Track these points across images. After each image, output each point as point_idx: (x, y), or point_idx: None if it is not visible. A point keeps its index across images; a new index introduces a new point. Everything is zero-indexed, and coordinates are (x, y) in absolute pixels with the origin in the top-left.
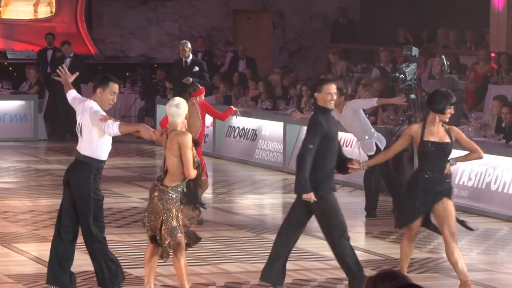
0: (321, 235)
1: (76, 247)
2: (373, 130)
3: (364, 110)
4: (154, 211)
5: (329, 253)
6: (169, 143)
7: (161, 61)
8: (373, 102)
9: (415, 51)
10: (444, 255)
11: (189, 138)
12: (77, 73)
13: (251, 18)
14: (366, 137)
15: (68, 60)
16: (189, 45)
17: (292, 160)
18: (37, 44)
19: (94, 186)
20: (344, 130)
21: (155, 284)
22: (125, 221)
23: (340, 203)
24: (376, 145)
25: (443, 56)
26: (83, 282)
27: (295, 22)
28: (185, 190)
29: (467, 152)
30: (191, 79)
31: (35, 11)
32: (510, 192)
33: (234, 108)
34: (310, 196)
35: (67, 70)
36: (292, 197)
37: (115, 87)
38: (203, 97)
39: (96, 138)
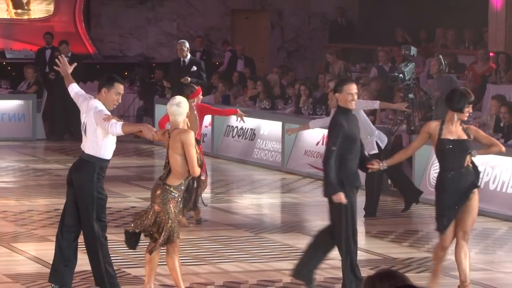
0: None
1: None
2: (374, 128)
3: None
4: (153, 210)
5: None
6: (172, 142)
7: (159, 61)
8: (375, 105)
9: (413, 50)
10: None
11: (191, 136)
12: (75, 64)
13: (249, 17)
14: (368, 137)
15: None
16: (187, 44)
17: (291, 160)
18: (35, 44)
19: (97, 185)
20: None
21: (154, 284)
22: (123, 220)
23: None
24: (377, 143)
25: (440, 56)
26: (81, 282)
27: (294, 22)
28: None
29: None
30: (189, 79)
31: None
32: (508, 192)
33: (239, 112)
34: (340, 197)
35: (66, 61)
36: (290, 197)
37: (120, 87)
38: (201, 97)
39: (101, 138)
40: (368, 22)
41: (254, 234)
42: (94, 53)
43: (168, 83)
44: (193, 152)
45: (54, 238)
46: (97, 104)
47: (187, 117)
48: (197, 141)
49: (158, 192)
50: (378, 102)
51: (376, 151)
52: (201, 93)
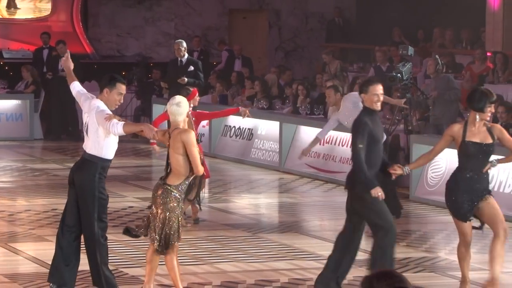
0: (318, 234)
1: None
2: None
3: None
4: (158, 218)
5: (325, 253)
6: (173, 142)
7: (157, 61)
8: None
9: (411, 50)
10: (440, 254)
11: (192, 135)
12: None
13: (247, 17)
14: None
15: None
16: (184, 44)
17: (288, 160)
18: (33, 44)
19: (99, 185)
20: (343, 130)
21: (153, 284)
22: (121, 220)
23: (337, 202)
24: None
25: (437, 56)
26: (79, 282)
27: (291, 22)
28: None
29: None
30: (186, 79)
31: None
32: (506, 192)
33: (242, 108)
34: (377, 191)
35: (69, 56)
36: (288, 197)
37: (122, 88)
38: (197, 98)
39: (102, 137)
40: (366, 22)
41: (252, 234)
42: (91, 53)
43: (165, 84)
44: (196, 152)
45: (51, 238)
46: (99, 104)
47: (187, 117)
48: (196, 141)
49: (159, 192)
50: None
51: None
52: (197, 94)
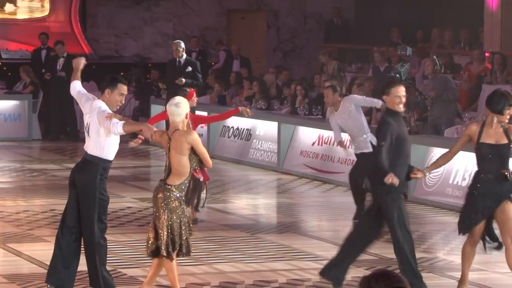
0: (317, 235)
1: None
2: (368, 128)
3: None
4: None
5: (324, 253)
6: (175, 143)
7: (155, 61)
8: (377, 104)
9: (409, 50)
10: (438, 254)
11: (195, 135)
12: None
13: (245, 17)
14: (364, 136)
15: (61, 60)
16: (182, 45)
17: (286, 160)
18: (31, 44)
19: (100, 186)
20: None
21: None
22: (119, 221)
23: (335, 203)
24: (371, 142)
25: (435, 56)
26: (77, 282)
27: (290, 22)
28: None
29: None
30: (183, 80)
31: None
32: None
33: (242, 108)
34: (391, 177)
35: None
36: (286, 197)
37: (123, 88)
38: (195, 99)
39: (104, 138)
40: (364, 22)
41: (250, 235)
42: (90, 54)
43: (163, 85)
44: (203, 148)
45: (50, 239)
46: (100, 104)
47: (186, 118)
48: None
49: (160, 194)
50: (381, 102)
51: (370, 150)
52: (194, 95)
